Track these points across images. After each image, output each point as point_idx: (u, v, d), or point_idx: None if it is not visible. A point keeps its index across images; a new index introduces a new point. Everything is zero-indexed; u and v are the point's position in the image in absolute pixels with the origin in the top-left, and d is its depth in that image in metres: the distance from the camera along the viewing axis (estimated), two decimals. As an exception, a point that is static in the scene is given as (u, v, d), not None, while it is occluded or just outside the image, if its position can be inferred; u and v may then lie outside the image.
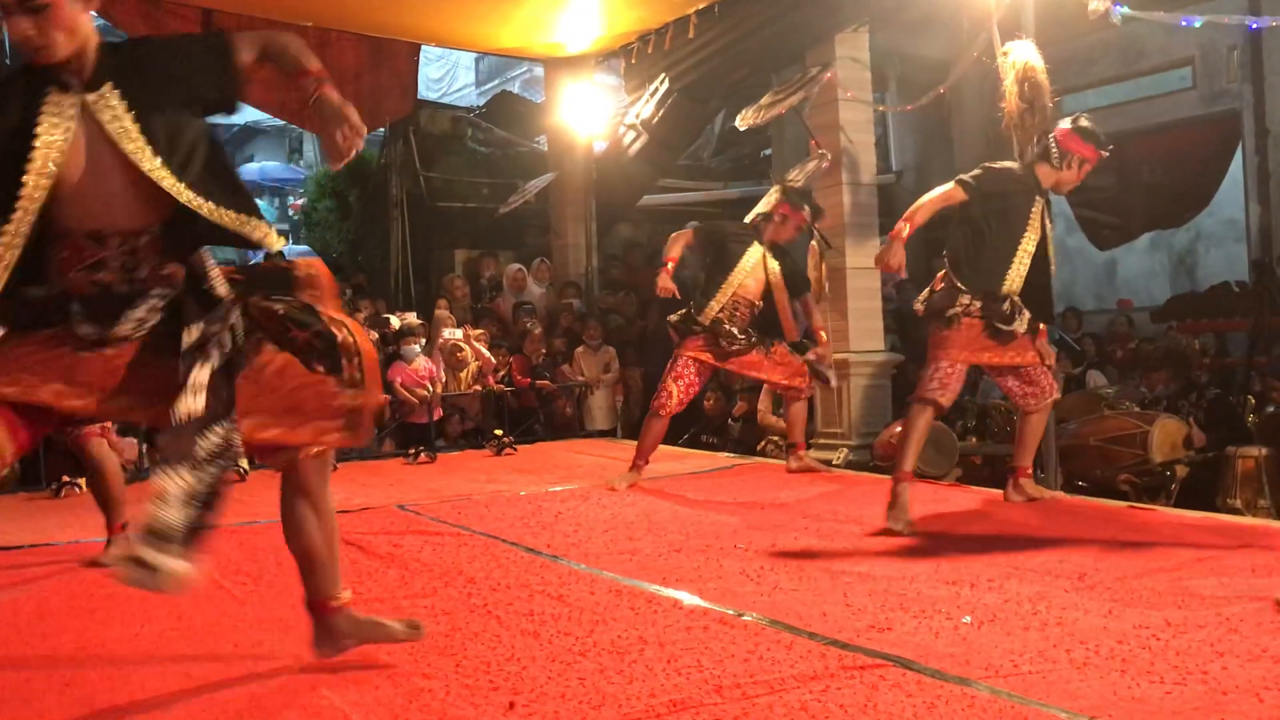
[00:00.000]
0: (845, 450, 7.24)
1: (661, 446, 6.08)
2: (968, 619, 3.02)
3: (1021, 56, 5.11)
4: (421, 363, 8.04)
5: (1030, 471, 4.81)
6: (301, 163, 22.49)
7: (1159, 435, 6.08)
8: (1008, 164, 4.70)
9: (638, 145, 9.17)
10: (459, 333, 8.40)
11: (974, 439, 7.23)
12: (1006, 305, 4.42)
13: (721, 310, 5.73)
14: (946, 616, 3.05)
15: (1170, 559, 3.68)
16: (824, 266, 7.00)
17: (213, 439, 2.21)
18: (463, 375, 8.35)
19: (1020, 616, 3.03)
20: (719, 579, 3.60)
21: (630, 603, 3.31)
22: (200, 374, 2.24)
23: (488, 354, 8.36)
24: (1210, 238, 12.00)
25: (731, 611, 3.15)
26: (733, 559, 3.89)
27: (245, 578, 3.81)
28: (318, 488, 2.59)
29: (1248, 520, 5.18)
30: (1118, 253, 12.19)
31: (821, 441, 7.52)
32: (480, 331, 8.65)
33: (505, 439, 7.52)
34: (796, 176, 7.45)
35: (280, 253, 3.01)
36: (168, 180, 2.25)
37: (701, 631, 2.97)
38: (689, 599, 3.32)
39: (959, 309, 4.40)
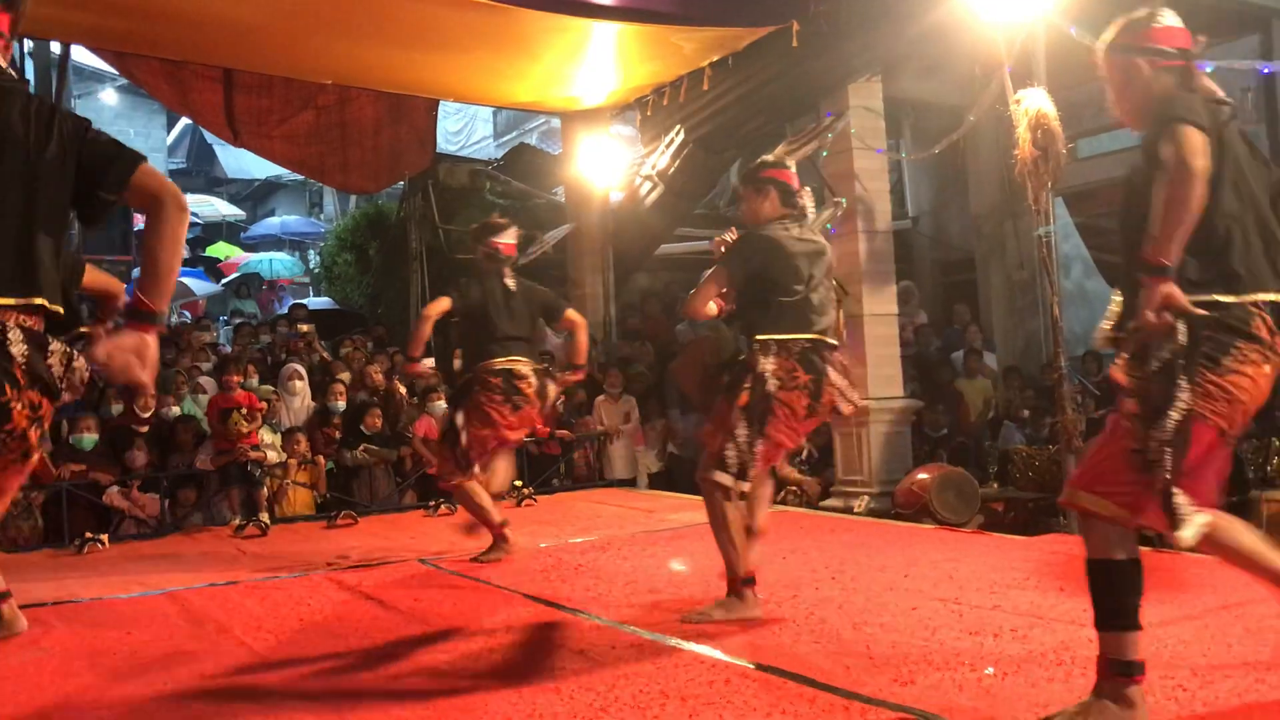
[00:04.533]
0: (866, 498, 7.21)
1: (681, 496, 6.07)
2: (990, 670, 2.99)
3: (1034, 104, 5.16)
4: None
5: None
6: (322, 216, 22.75)
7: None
8: None
9: (654, 195, 9.25)
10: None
11: (995, 485, 7.19)
12: None
13: None
14: (970, 668, 3.02)
15: (1196, 606, 3.64)
16: (841, 313, 7.00)
17: None
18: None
19: (1044, 667, 3.00)
20: (741, 632, 3.58)
21: (652, 657, 3.30)
22: None
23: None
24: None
25: (754, 665, 3.13)
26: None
27: (267, 634, 3.82)
28: None
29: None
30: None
31: (843, 489, 7.49)
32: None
33: (525, 490, 7.53)
34: (813, 224, 7.50)
35: None
36: None
37: (724, 686, 2.95)
38: (710, 653, 3.30)
39: None
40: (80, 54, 13.81)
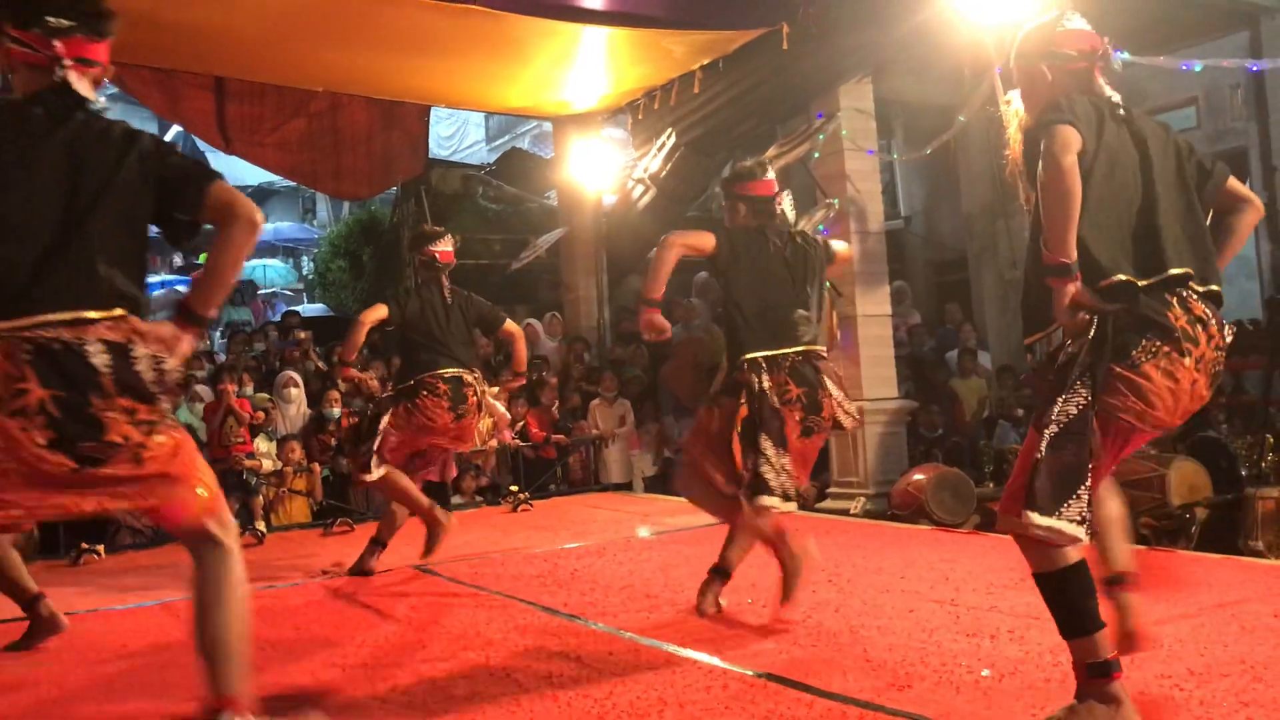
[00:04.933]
0: (862, 499, 7.22)
1: (677, 500, 6.07)
2: (987, 672, 3.00)
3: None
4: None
5: None
6: (315, 223, 22.72)
7: (1176, 478, 6.04)
8: None
9: (646, 199, 9.25)
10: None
11: (991, 484, 7.20)
12: None
13: None
14: (967, 670, 3.03)
15: (1192, 605, 3.65)
16: (835, 315, 7.02)
17: None
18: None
19: (1041, 669, 3.00)
20: (737, 637, 3.59)
21: (649, 663, 3.30)
22: None
23: (503, 409, 8.37)
24: (1222, 275, 11.98)
25: (751, 672, 3.13)
26: (751, 616, 3.87)
27: (263, 644, 3.81)
28: None
29: (1270, 562, 5.15)
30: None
31: (838, 490, 7.49)
32: (496, 389, 8.67)
33: (521, 495, 7.52)
34: (804, 226, 7.51)
35: None
36: None
37: (721, 692, 2.96)
38: (707, 659, 3.30)
39: None
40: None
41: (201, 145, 11.30)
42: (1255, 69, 7.70)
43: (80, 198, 2.34)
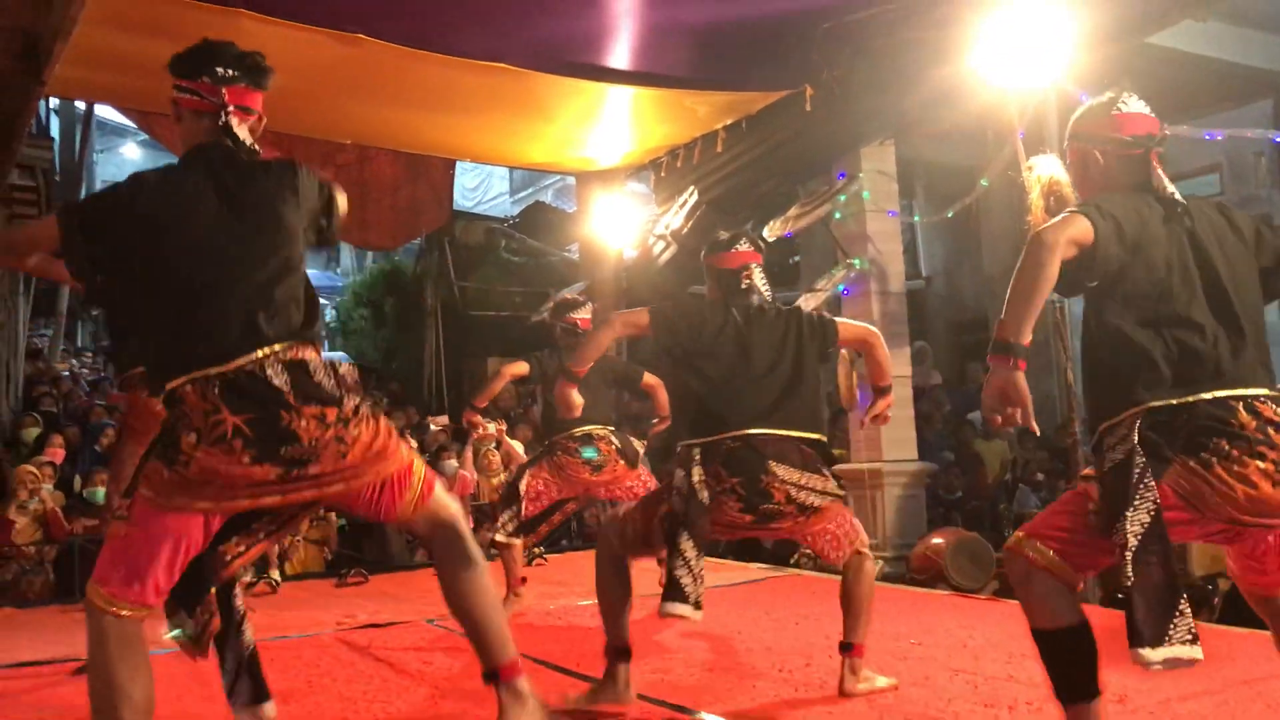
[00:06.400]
0: (881, 563, 7.15)
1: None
2: (1007, 745, 2.95)
3: (1046, 171, 5.16)
4: (457, 473, 8.07)
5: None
6: (338, 270, 22.92)
7: (1199, 548, 5.97)
8: None
9: (667, 255, 9.30)
10: (492, 426, 8.42)
11: (1011, 549, 7.12)
12: None
13: None
14: (985, 742, 2.98)
15: (1215, 680, 3.58)
16: (854, 375, 7.01)
17: None
18: (495, 481, 8.35)
19: (1061, 743, 2.95)
20: (753, 703, 3.55)
21: (662, 726, 3.26)
22: None
23: (521, 453, 8.37)
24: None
25: (765, 736, 3.09)
26: (767, 681, 3.83)
27: (276, 696, 3.78)
28: None
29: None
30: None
31: (856, 552, 7.43)
32: (516, 442, 8.68)
33: (536, 548, 7.48)
34: (825, 285, 7.55)
35: None
36: None
37: (734, 758, 2.92)
38: (721, 722, 3.27)
39: None
40: (104, 109, 14.07)
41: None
42: (1278, 140, 7.71)
43: (265, 238, 2.58)
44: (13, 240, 3.22)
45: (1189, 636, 2.23)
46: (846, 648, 3.57)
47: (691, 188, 8.91)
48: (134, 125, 12.35)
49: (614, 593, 3.51)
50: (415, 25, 6.48)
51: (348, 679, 4.07)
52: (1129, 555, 2.22)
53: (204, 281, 2.49)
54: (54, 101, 13.96)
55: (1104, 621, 4.65)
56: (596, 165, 9.83)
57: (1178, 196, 2.46)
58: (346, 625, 5.17)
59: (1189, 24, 7.43)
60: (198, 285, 2.49)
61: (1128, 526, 2.22)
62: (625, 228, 10.01)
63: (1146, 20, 6.39)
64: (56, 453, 8.48)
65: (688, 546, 3.24)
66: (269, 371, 2.44)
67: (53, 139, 12.14)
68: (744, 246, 3.75)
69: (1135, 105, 2.55)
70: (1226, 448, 2.25)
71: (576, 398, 3.54)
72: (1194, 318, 2.36)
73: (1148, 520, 2.23)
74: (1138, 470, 2.26)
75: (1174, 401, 2.31)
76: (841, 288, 7.85)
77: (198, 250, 2.50)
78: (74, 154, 14.45)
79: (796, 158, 8.14)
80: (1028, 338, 2.28)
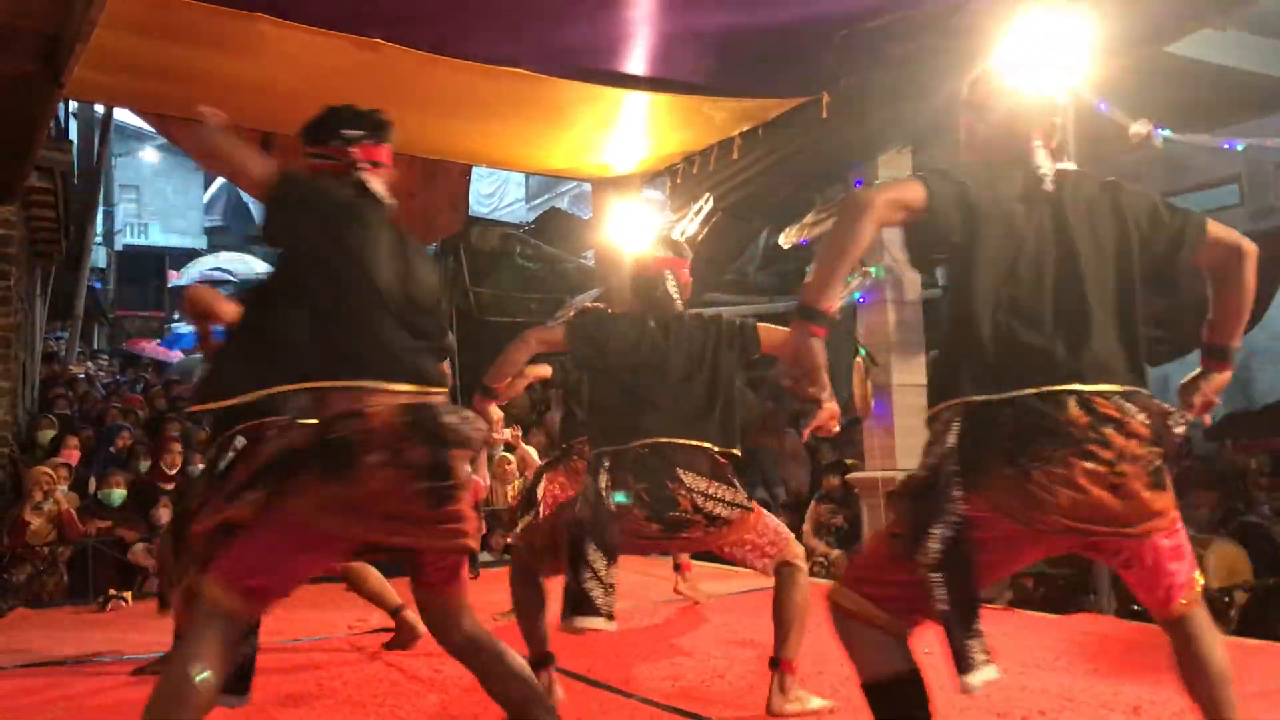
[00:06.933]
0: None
1: (706, 565, 6.02)
2: (1020, 756, 2.92)
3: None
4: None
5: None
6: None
7: (1215, 560, 5.92)
8: None
9: (682, 261, 9.29)
10: (507, 432, 8.42)
11: (1025, 559, 7.07)
12: None
13: None
14: (998, 753, 2.96)
15: (1232, 693, 3.55)
16: (869, 384, 6.99)
17: None
18: (509, 487, 8.36)
19: (1075, 754, 2.93)
20: (763, 709, 3.52)
21: (673, 733, 3.25)
22: None
23: (537, 458, 8.37)
24: (1265, 354, 11.84)
25: (776, 744, 3.07)
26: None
27: (287, 700, 3.79)
28: None
29: (1313, 650, 5.00)
30: (1170, 368, 12.04)
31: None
32: (530, 448, 8.69)
33: (548, 555, 7.47)
34: (841, 293, 7.52)
35: None
36: None
37: (745, 765, 2.90)
38: (732, 730, 3.25)
39: None
40: (122, 113, 14.16)
41: (246, 199, 11.51)
42: (1299, 149, 7.67)
43: None
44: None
45: (985, 657, 2.12)
46: (775, 664, 3.46)
47: (707, 194, 8.90)
48: (152, 129, 12.44)
49: (526, 603, 3.52)
50: (434, 30, 6.49)
51: (358, 683, 4.07)
52: (935, 577, 2.08)
53: None
54: (73, 105, 14.04)
55: (1119, 632, 4.64)
56: (612, 171, 9.83)
57: (1045, 172, 2.29)
58: (358, 629, 5.17)
59: (1208, 33, 7.38)
60: None
61: (929, 545, 2.08)
62: (641, 234, 10.00)
63: (1164, 29, 6.35)
64: (71, 454, 8.52)
65: (596, 556, 3.18)
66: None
67: (71, 142, 12.23)
68: (663, 252, 3.69)
69: (1021, 78, 2.45)
70: (1049, 451, 2.07)
71: (495, 412, 3.53)
72: (1033, 305, 2.18)
73: (951, 536, 2.08)
74: (943, 482, 2.10)
75: (994, 398, 2.13)
76: (858, 296, 7.81)
77: None
78: (92, 157, 14.57)
79: (813, 165, 8.13)
80: (832, 303, 2.17)
